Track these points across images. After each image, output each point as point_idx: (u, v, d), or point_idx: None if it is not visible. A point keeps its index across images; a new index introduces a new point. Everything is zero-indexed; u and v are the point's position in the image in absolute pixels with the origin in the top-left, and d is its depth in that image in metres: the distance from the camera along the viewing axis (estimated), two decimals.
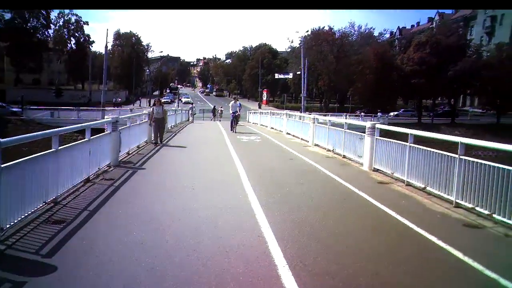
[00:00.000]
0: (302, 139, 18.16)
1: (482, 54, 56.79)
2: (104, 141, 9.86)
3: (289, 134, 20.99)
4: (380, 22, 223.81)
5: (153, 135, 15.79)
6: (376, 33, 70.31)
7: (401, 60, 56.16)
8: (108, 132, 10.20)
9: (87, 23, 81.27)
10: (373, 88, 53.68)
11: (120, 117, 12.17)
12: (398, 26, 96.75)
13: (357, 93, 58.00)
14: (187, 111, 38.70)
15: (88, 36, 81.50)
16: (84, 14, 79.41)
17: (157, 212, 6.46)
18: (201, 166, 11.19)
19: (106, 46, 48.39)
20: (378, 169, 10.32)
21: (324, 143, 14.80)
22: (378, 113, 51.96)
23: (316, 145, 15.89)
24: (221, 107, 50.11)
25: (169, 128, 23.46)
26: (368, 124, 10.84)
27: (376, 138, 10.40)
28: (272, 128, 26.15)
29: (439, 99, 68.65)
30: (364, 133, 11.01)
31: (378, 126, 10.55)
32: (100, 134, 9.67)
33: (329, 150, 14.15)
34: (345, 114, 49.64)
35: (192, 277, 4.16)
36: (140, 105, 77.67)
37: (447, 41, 53.41)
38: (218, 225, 5.86)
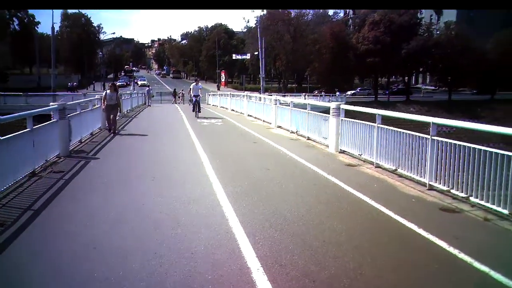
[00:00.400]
0: (264, 121, 17.71)
1: (433, 32, 58.19)
2: (51, 130, 9.00)
3: (250, 116, 20.48)
4: None
5: (106, 122, 14.34)
6: (330, 12, 70.53)
7: (356, 39, 56.56)
8: (55, 120, 9.29)
9: None
10: (330, 68, 53.96)
11: (69, 103, 11.15)
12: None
13: (315, 72, 58.23)
14: (143, 94, 37.25)
15: (33, 16, 76.77)
16: None
17: (112, 209, 5.80)
18: (161, 153, 10.48)
19: (53, 27, 45.63)
20: (345, 151, 10.04)
21: (288, 125, 14.41)
22: (337, 92, 52.40)
23: (279, 127, 15.48)
24: (182, 90, 48.11)
25: (125, 112, 22.36)
26: (332, 105, 10.49)
27: (342, 119, 10.08)
28: (233, 110, 25.55)
29: (393, 77, 70.14)
30: (328, 113, 10.70)
31: (343, 107, 10.23)
32: (46, 123, 8.80)
33: (293, 132, 13.77)
34: (304, 94, 49.64)
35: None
36: (94, 89, 74.68)
37: (400, 20, 54.21)
38: (181, 222, 5.31)
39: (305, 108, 12.87)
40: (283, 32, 60.41)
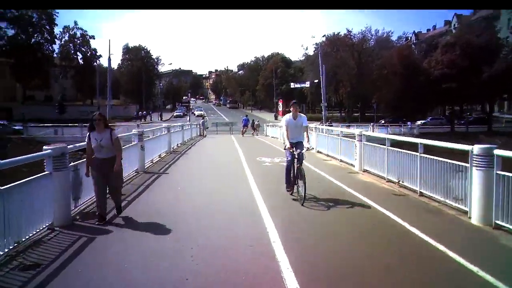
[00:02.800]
0: (341, 160, 13.89)
1: None
2: (38, 189, 5.81)
3: (320, 153, 16.72)
4: (393, 27, 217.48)
5: (95, 198, 7.02)
6: (394, 37, 65.78)
7: (428, 63, 51.47)
8: (47, 172, 6.14)
9: (93, 37, 78.28)
10: (400, 94, 49.06)
11: (71, 146, 7.89)
12: (414, 31, 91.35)
13: (383, 100, 53.25)
14: (197, 126, 34.95)
15: (95, 50, 78.41)
16: (90, 29, 76.38)
17: None
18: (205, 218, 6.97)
19: (109, 58, 45.17)
20: (504, 227, 6.00)
21: (381, 170, 10.49)
22: (408, 122, 47.41)
23: (365, 171, 11.61)
24: (257, 121, 43.42)
25: (173, 148, 19.38)
26: (476, 148, 6.53)
27: (497, 173, 6.10)
28: None
29: (466, 105, 63.62)
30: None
31: (499, 153, 6.23)
32: (26, 179, 5.61)
33: (390, 181, 9.85)
34: (372, 124, 45.10)
35: None
36: (151, 119, 74.69)
37: (478, 41, 48.65)
38: None
39: (408, 148, 9.06)
40: (346, 57, 56.61)
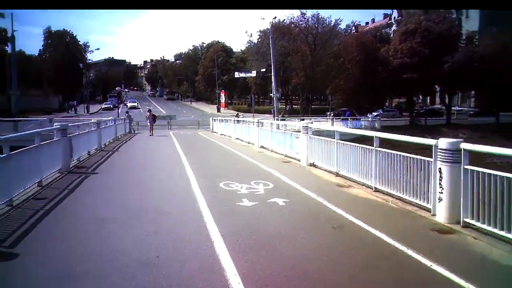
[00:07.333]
0: (376, 189, 7.81)
1: (476, 43, 48.88)
2: None
3: (315, 166, 10.64)
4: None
5: None
6: (343, 25, 60.88)
7: (386, 51, 47.20)
8: None
9: (2, 15, 65.85)
10: (359, 85, 44.41)
11: None
12: (354, 23, 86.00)
13: (339, 91, 48.15)
14: (124, 121, 27.61)
15: (5, 31, 66.07)
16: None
17: None
18: None
19: (13, 35, 35.95)
20: None
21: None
22: (369, 114, 42.98)
23: (466, 224, 5.61)
24: (242, 115, 40.56)
25: (78, 161, 12.35)
26: None
27: None
28: (263, 147, 15.79)
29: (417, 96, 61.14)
30: None
31: None
32: None
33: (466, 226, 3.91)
34: (329, 116, 39.77)
35: None
36: (75, 112, 65.32)
37: (438, 29, 45.01)
38: None
39: None
40: (300, 43, 50.88)
